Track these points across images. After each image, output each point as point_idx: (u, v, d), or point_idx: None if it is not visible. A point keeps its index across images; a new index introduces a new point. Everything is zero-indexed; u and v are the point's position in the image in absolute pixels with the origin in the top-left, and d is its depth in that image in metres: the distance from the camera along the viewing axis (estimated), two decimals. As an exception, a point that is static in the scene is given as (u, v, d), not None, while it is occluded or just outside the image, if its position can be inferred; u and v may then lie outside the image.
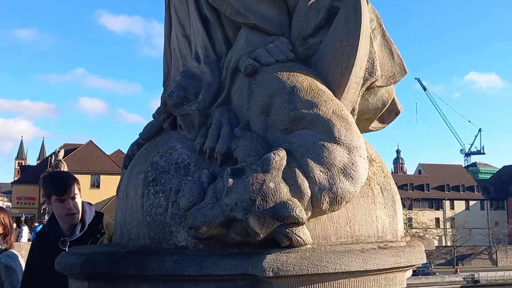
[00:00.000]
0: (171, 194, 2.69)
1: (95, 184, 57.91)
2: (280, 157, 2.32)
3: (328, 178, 2.33)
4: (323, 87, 2.64)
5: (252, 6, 2.93)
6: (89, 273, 2.61)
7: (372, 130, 3.36)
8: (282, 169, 2.32)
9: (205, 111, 2.84)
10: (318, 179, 2.32)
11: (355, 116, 2.91)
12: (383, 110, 3.19)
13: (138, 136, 3.40)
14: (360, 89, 2.81)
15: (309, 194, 2.31)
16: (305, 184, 2.31)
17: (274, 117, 2.58)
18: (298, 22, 2.89)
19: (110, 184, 57.38)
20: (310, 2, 2.84)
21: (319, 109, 2.48)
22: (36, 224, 27.54)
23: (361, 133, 3.01)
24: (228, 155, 2.62)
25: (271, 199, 2.25)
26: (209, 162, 2.69)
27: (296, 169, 2.34)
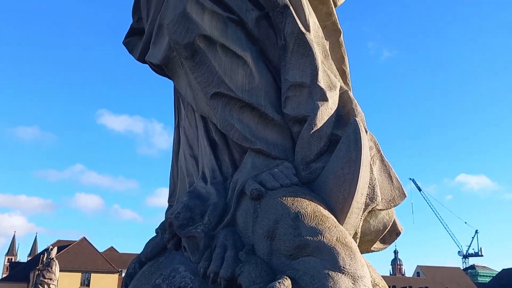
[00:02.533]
0: (173, 320, 2.65)
1: (85, 283, 55.80)
2: (285, 287, 2.33)
3: (333, 309, 2.32)
4: (326, 212, 2.71)
5: (258, 132, 3.11)
6: None
7: (374, 251, 3.39)
8: (288, 298, 2.32)
9: (210, 233, 2.89)
10: (324, 309, 2.31)
11: (358, 240, 2.97)
12: (385, 232, 3.25)
13: (135, 251, 3.42)
14: (362, 214, 2.89)
15: (314, 326, 2.29)
16: (310, 314, 2.30)
17: (279, 242, 2.63)
18: (301, 148, 3.04)
19: (100, 283, 55.33)
20: (312, 130, 3.01)
21: (323, 236, 2.53)
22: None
23: (363, 253, 3.05)
24: (231, 281, 2.63)
25: (276, 331, 2.22)
26: (213, 287, 2.69)
27: (302, 299, 2.33)
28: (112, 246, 71.52)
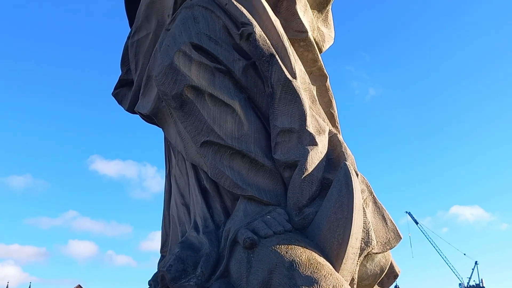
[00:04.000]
0: None
1: (79, 333, 54.18)
2: None
3: None
4: (322, 259, 2.67)
5: (249, 179, 3.09)
6: None
7: None
8: None
9: (203, 285, 2.83)
10: None
11: (355, 285, 2.91)
12: (382, 275, 3.20)
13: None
14: (358, 259, 2.85)
15: None
16: None
17: (274, 292, 2.57)
18: (293, 193, 3.02)
19: (95, 332, 53.56)
20: (303, 175, 3.00)
21: (319, 285, 2.48)
22: None
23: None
24: None
25: None
26: None
27: None
28: (106, 293, 69.88)
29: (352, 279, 2.86)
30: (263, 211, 3.02)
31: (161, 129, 3.73)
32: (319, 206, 2.97)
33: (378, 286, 3.30)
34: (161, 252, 3.72)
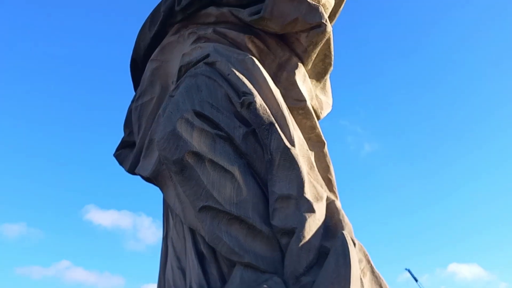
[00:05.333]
0: None
1: None
2: None
3: None
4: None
5: (246, 245, 3.10)
6: None
7: None
8: None
9: None
10: None
11: None
12: None
13: None
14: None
15: None
16: None
17: None
18: (290, 261, 3.02)
19: None
20: (301, 243, 3.01)
21: None
22: None
23: None
24: None
25: None
26: None
27: None
28: None
29: None
30: (260, 279, 3.01)
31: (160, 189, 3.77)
32: (316, 275, 2.96)
33: None
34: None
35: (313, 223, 3.11)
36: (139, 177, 3.75)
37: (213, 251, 3.25)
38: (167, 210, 3.76)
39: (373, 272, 3.21)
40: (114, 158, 4.13)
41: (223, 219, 3.16)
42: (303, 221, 3.08)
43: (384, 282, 3.22)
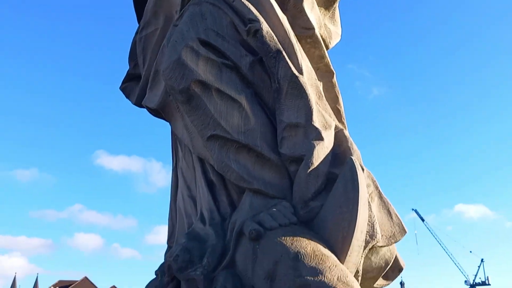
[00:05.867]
0: None
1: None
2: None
3: None
4: (327, 251, 2.72)
5: (255, 173, 3.13)
6: None
7: (377, 287, 3.37)
8: None
9: (209, 275, 2.88)
10: None
11: (359, 278, 2.95)
12: (387, 268, 3.24)
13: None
14: (363, 252, 2.89)
15: None
16: None
17: (279, 283, 2.62)
18: (299, 187, 3.06)
19: (102, 324, 54.00)
20: (309, 170, 3.04)
21: (324, 276, 2.53)
22: None
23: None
24: None
25: None
26: (214, 330, 2.67)
27: None
28: (114, 286, 70.15)
29: (357, 271, 2.90)
30: (269, 204, 3.06)
31: (168, 123, 3.78)
32: (324, 200, 3.01)
33: (383, 279, 3.34)
34: (168, 243, 3.77)
35: (322, 151, 3.11)
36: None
37: (222, 179, 3.29)
38: (176, 141, 3.78)
39: (381, 197, 3.25)
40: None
41: (231, 148, 3.18)
42: (311, 149, 3.08)
43: (392, 207, 3.26)
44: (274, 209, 2.99)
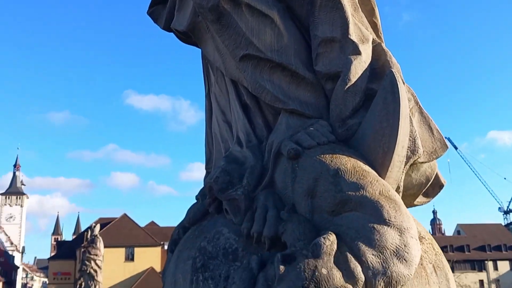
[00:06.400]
0: (220, 281, 2.69)
1: (129, 257, 57.86)
2: (330, 242, 2.32)
3: (381, 262, 2.31)
4: (367, 167, 2.67)
5: (290, 93, 3.05)
6: None
7: (417, 205, 3.34)
8: (333, 253, 2.32)
9: (250, 195, 2.89)
10: (371, 263, 2.30)
11: (400, 194, 2.91)
12: (427, 185, 3.18)
13: (175, 224, 3.46)
14: (404, 168, 2.83)
15: (363, 279, 2.29)
16: (358, 268, 2.29)
17: (320, 199, 2.61)
18: (336, 105, 2.98)
19: (144, 257, 57.19)
20: (346, 86, 2.93)
21: (365, 191, 2.50)
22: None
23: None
24: (275, 239, 2.64)
25: (325, 286, 2.23)
26: (257, 247, 2.71)
27: (348, 253, 2.33)
28: (152, 221, 73.40)
29: (398, 188, 2.86)
30: (305, 124, 3.00)
31: (196, 52, 3.69)
32: (363, 117, 2.93)
33: (423, 196, 3.29)
34: (206, 168, 3.80)
35: (359, 65, 2.99)
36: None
37: (257, 101, 3.22)
38: (207, 66, 3.70)
39: (421, 112, 3.14)
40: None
41: (265, 67, 3.08)
42: (348, 64, 2.96)
43: (433, 122, 3.15)
44: (312, 128, 2.93)
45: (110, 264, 44.44)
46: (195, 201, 3.52)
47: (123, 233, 57.79)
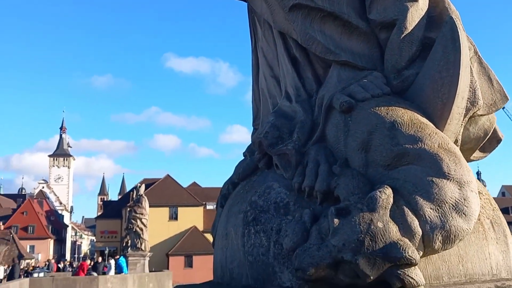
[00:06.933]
0: (272, 234, 2.69)
1: (173, 217, 59.76)
2: (386, 195, 2.26)
3: (439, 216, 2.24)
4: (424, 120, 2.56)
5: (342, 43, 2.94)
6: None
7: (474, 160, 3.21)
8: (389, 207, 2.26)
9: (300, 149, 2.84)
10: (429, 217, 2.24)
11: (458, 148, 2.80)
12: (485, 140, 3.05)
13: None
14: (463, 120, 2.71)
15: (420, 233, 2.23)
16: (415, 222, 2.23)
17: (375, 153, 2.53)
18: (391, 55, 2.85)
19: (187, 216, 58.92)
20: (402, 35, 2.80)
21: (424, 144, 2.40)
22: (117, 257, 28.64)
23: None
24: (327, 194, 2.60)
25: (381, 240, 2.18)
26: (308, 201, 2.68)
27: (405, 207, 2.26)
28: (194, 181, 75.07)
29: (456, 141, 2.74)
30: (358, 76, 2.90)
31: (245, 2, 3.59)
32: (419, 67, 2.79)
33: (480, 151, 3.16)
34: (253, 125, 3.77)
35: (416, 13, 2.83)
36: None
37: (306, 54, 3.13)
38: (254, 19, 3.61)
39: (480, 63, 2.97)
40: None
41: (316, 17, 2.97)
42: (404, 11, 2.81)
43: (493, 72, 2.98)
44: (365, 80, 2.83)
45: (154, 223, 46.03)
46: (239, 160, 3.51)
47: (166, 193, 59.51)
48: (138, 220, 26.52)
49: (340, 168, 2.61)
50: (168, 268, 44.79)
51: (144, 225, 26.59)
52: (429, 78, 2.67)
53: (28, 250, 76.46)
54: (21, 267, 38.40)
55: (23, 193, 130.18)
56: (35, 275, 31.36)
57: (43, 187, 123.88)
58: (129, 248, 26.71)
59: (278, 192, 2.83)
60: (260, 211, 2.80)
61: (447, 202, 2.25)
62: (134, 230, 26.47)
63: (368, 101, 2.70)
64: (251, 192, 2.98)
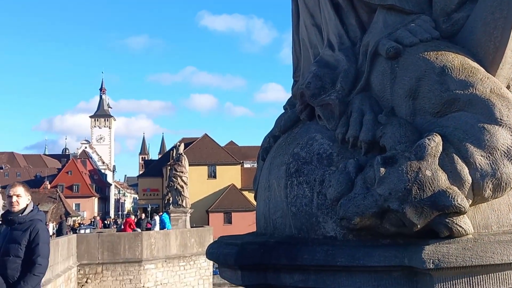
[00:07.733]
0: (315, 185, 2.68)
1: (212, 175, 60.95)
2: (435, 143, 2.19)
3: (490, 163, 2.16)
4: (476, 64, 2.44)
5: None
6: (242, 263, 2.71)
7: None
8: (438, 155, 2.20)
9: (344, 99, 2.78)
10: (479, 164, 2.16)
11: (511, 93, 2.67)
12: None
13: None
14: (516, 64, 2.57)
15: (470, 181, 2.16)
16: (465, 170, 2.17)
17: (423, 100, 2.45)
18: None
19: (225, 174, 59.96)
20: None
21: (475, 89, 2.30)
22: (160, 213, 29.57)
23: None
24: (373, 144, 2.55)
25: (429, 188, 2.14)
26: (352, 152, 2.64)
27: (454, 155, 2.19)
28: (232, 140, 75.87)
29: (508, 86, 2.61)
30: (405, 20, 2.76)
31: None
32: (470, 10, 2.64)
33: None
34: (293, 77, 3.70)
35: (467, -47, 2.65)
36: None
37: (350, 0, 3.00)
38: (294, -34, 3.48)
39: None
40: None
41: (360, -40, 2.82)
42: None
43: None
44: (413, 25, 2.70)
45: (194, 181, 47.08)
46: (275, 119, 3.47)
47: (205, 152, 60.51)
48: (178, 178, 27.17)
49: (386, 117, 2.55)
50: (208, 224, 46.08)
51: (185, 183, 27.23)
52: (481, 21, 2.52)
53: (74, 208, 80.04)
54: (68, 224, 40.25)
55: (67, 153, 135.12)
56: (82, 231, 32.87)
57: (85, 147, 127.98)
58: (171, 205, 27.52)
59: (321, 143, 2.79)
60: (303, 163, 2.78)
61: (498, 149, 2.17)
62: (175, 187, 27.19)
63: (416, 46, 2.59)
64: (293, 144, 2.96)
